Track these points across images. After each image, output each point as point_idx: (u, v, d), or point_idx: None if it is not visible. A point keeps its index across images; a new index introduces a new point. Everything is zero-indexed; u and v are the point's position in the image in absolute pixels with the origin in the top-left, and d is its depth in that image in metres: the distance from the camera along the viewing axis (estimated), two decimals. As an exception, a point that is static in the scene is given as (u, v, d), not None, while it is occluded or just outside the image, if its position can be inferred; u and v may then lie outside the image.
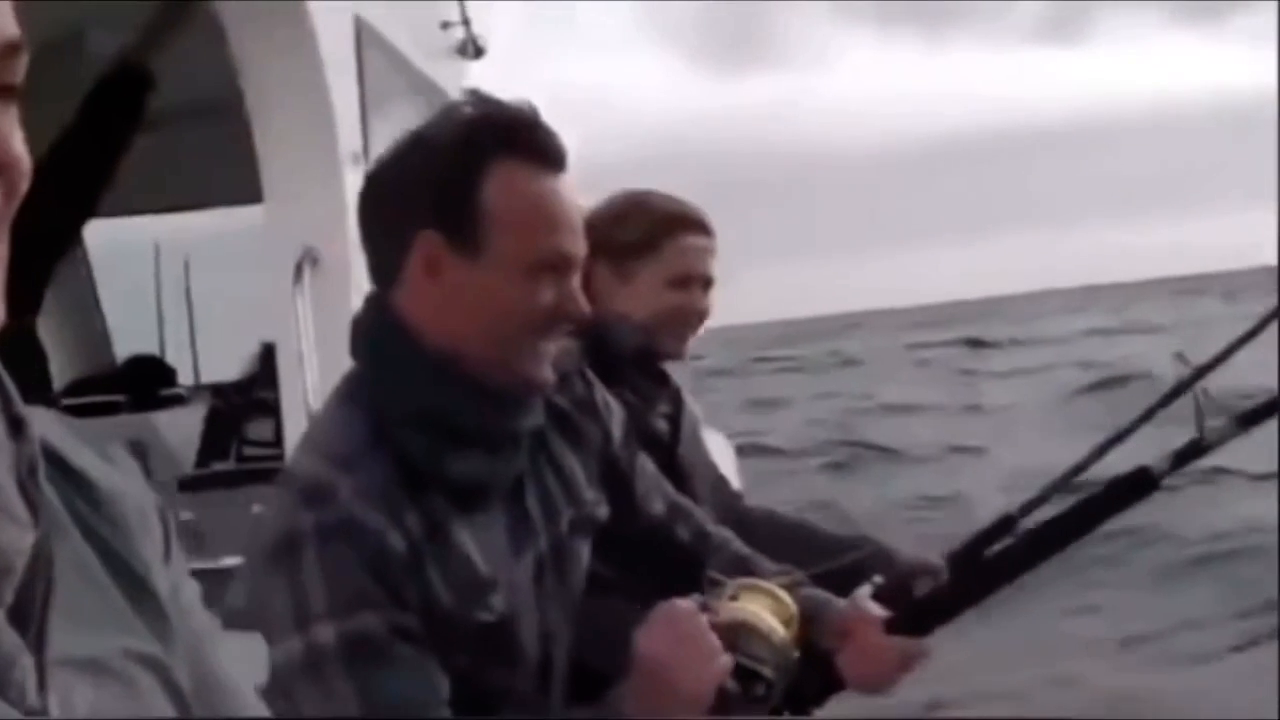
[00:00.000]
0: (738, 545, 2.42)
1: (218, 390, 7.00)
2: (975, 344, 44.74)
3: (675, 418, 2.91)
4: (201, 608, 1.13)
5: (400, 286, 1.98)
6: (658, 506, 2.36)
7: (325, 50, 3.78)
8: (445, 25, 5.48)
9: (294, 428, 3.70)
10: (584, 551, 2.17)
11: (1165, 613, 10.28)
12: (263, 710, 1.15)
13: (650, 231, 2.80)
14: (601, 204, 2.80)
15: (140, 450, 5.97)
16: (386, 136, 4.06)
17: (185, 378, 7.60)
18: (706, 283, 2.86)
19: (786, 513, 3.29)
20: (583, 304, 1.99)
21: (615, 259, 2.74)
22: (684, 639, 1.92)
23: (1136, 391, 23.19)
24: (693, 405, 3.05)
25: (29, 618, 0.89)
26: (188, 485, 5.58)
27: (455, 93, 5.54)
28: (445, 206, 1.93)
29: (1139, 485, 2.35)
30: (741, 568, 2.29)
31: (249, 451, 6.20)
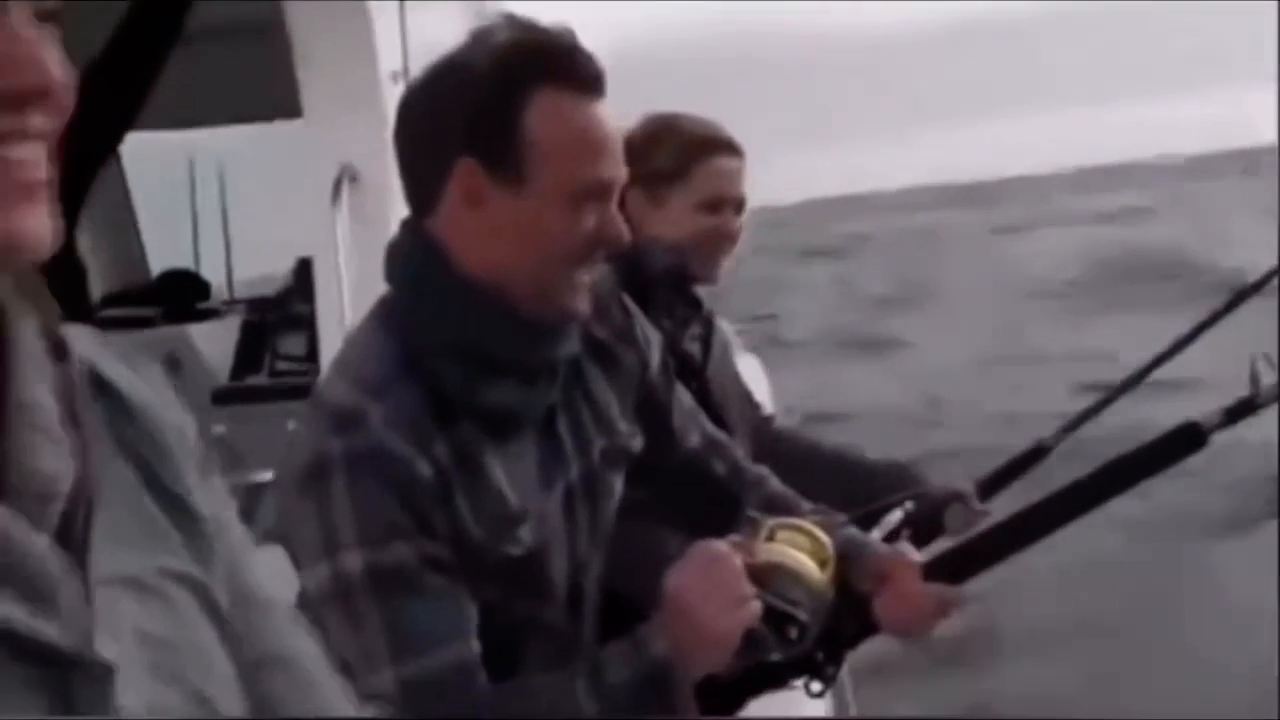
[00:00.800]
0: (774, 483, 2.40)
1: (252, 304, 7.03)
2: (999, 229, 44.25)
3: (707, 340, 2.91)
4: (238, 524, 1.13)
5: (437, 213, 1.96)
6: (693, 439, 2.34)
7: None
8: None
9: (329, 345, 3.70)
10: (616, 482, 2.16)
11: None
12: (297, 624, 1.16)
13: (681, 156, 2.80)
14: (632, 128, 2.79)
15: (174, 363, 6.01)
16: (426, 56, 4.06)
17: (220, 291, 7.65)
18: (738, 205, 2.86)
19: (817, 438, 3.30)
20: (623, 230, 1.97)
21: (647, 184, 2.74)
22: (714, 581, 1.91)
23: (1163, 271, 23.09)
24: (724, 329, 3.05)
25: (72, 540, 0.90)
26: (220, 398, 5.60)
27: (497, 12, 5.51)
28: (486, 136, 1.91)
29: (1187, 440, 2.33)
30: (778, 506, 2.28)
31: (281, 366, 6.24)
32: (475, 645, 1.87)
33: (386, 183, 3.74)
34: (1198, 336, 3.06)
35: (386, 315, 2.00)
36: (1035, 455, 3.10)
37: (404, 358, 1.92)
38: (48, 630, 0.86)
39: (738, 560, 1.93)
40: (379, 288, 3.02)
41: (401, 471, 1.83)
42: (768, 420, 3.23)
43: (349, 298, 3.56)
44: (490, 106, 1.90)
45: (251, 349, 6.51)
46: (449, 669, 1.84)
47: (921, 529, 2.86)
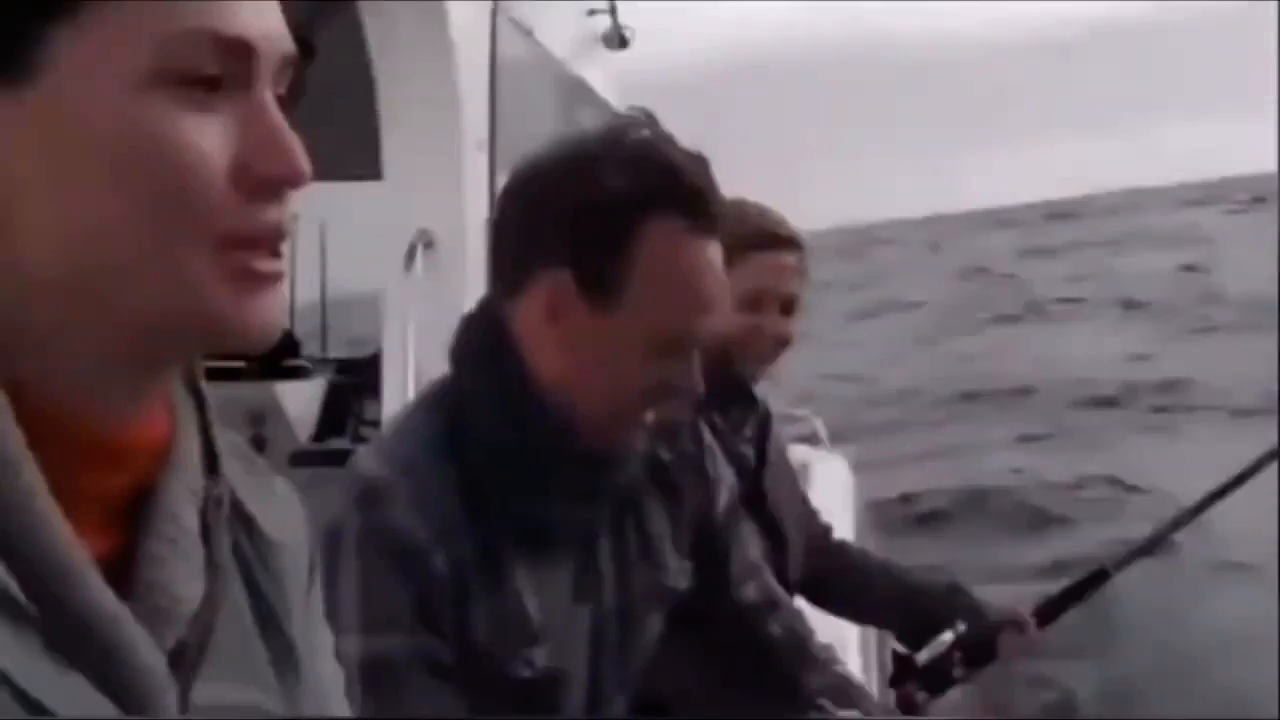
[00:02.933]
0: (838, 664, 2.23)
1: (341, 365, 7.02)
2: (1113, 244, 43.89)
3: (762, 442, 2.76)
4: (331, 656, 1.15)
5: (516, 302, 1.82)
6: (750, 593, 2.16)
7: (458, 32, 3.72)
8: (591, 12, 5.42)
9: (394, 411, 3.65)
10: (654, 621, 2.00)
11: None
12: None
13: (727, 246, 2.62)
14: None
15: (258, 419, 5.99)
16: (513, 124, 4.02)
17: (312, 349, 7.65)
18: (786, 303, 2.64)
19: (873, 554, 3.19)
20: (699, 384, 1.82)
21: None
22: None
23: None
24: (779, 430, 2.91)
25: (183, 664, 0.91)
26: (298, 460, 5.54)
27: (599, 84, 5.48)
28: (589, 252, 1.76)
29: None
30: (843, 696, 2.12)
31: (366, 431, 6.19)
32: None
33: (463, 249, 3.72)
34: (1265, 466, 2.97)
35: (438, 395, 1.87)
36: (1095, 580, 2.98)
37: (445, 440, 1.79)
38: None
39: None
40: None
41: (414, 562, 1.71)
42: (826, 531, 3.08)
43: (415, 364, 3.50)
44: (603, 223, 1.76)
45: (336, 411, 6.49)
46: None
47: (975, 652, 2.76)
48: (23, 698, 0.81)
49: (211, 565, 0.95)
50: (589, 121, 5.12)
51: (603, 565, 1.92)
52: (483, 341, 1.85)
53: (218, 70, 0.88)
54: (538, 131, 4.50)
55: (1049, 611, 2.89)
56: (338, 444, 6.08)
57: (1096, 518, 11.88)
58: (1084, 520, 12.06)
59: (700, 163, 1.80)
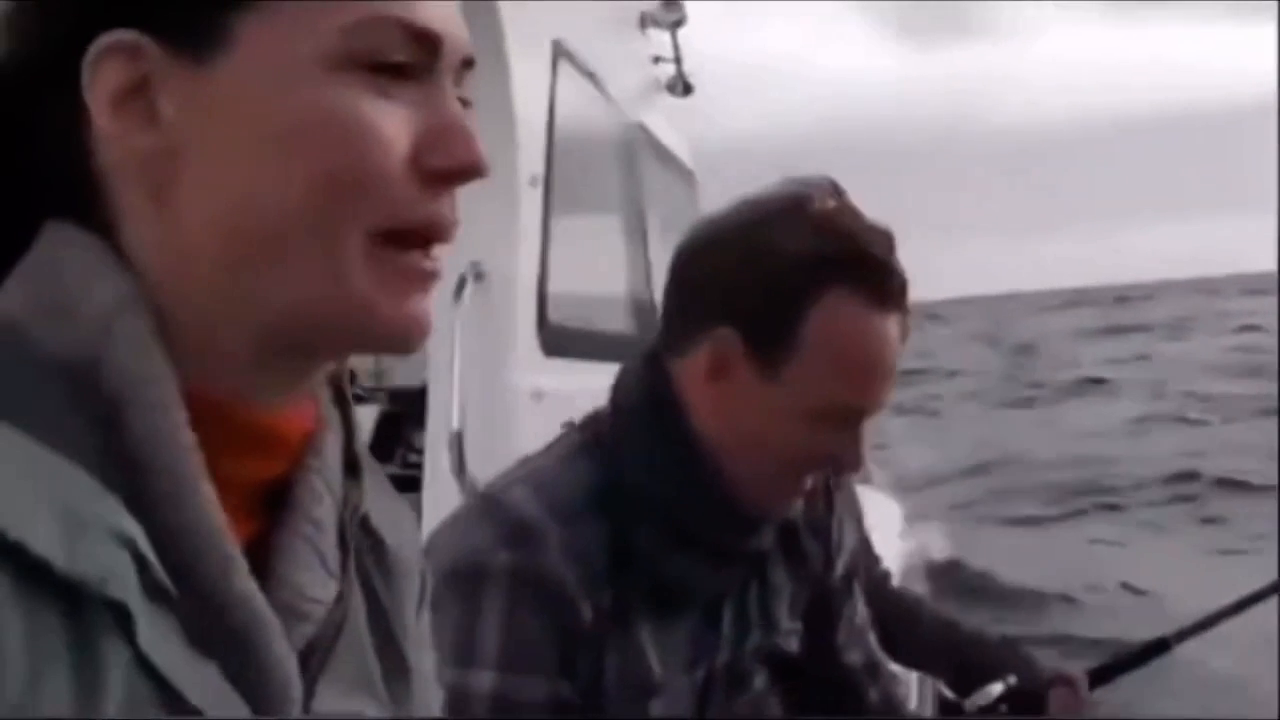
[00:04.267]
0: None
1: (393, 395, 7.05)
2: (1177, 326, 43.73)
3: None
4: (433, 679, 1.14)
5: (682, 361, 1.84)
6: (854, 657, 2.21)
7: (517, 71, 3.74)
8: (656, 60, 5.43)
9: (436, 440, 3.65)
10: (760, 678, 2.02)
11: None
12: None
13: None
14: None
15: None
16: (570, 164, 4.03)
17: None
18: None
19: (928, 604, 3.20)
20: (860, 458, 1.83)
21: None
22: None
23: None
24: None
25: (308, 664, 0.91)
26: None
27: (660, 130, 5.49)
28: (762, 318, 1.78)
29: None
30: None
31: (413, 459, 6.22)
32: None
33: (513, 284, 3.73)
34: None
35: (597, 440, 1.87)
36: (1154, 649, 2.97)
37: (601, 491, 1.80)
38: None
39: None
40: (493, 390, 2.91)
41: (565, 607, 1.72)
42: (886, 577, 3.15)
43: (459, 396, 3.50)
44: (778, 287, 1.77)
45: (386, 439, 6.51)
46: None
47: (1023, 706, 2.75)
48: (158, 680, 0.80)
49: (345, 570, 0.96)
50: (648, 166, 5.13)
51: (722, 625, 1.93)
52: (644, 393, 1.87)
53: (404, 58, 0.90)
54: (595, 172, 4.52)
55: (1103, 675, 2.89)
56: (387, 470, 6.09)
57: (1099, 603, 11.71)
58: (1086, 602, 11.85)
59: (884, 236, 1.79)
